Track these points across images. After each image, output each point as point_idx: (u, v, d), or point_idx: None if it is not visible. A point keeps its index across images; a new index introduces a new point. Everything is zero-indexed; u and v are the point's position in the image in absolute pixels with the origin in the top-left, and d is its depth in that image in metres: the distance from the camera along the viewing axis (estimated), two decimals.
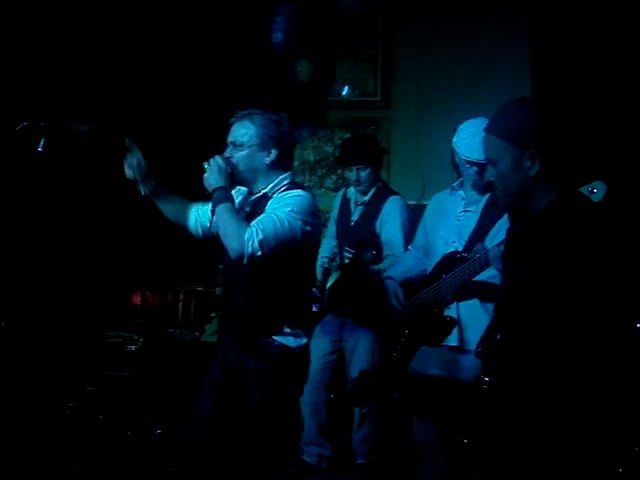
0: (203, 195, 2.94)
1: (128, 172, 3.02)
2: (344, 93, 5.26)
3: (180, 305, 4.69)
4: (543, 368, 1.70)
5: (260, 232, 2.69)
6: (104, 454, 4.03)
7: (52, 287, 4.36)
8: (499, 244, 3.04)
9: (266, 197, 2.98)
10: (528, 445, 1.66)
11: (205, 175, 2.87)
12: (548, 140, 1.98)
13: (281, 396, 2.82)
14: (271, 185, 2.98)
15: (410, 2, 5.19)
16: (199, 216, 3.12)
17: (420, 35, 5.15)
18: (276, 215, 2.76)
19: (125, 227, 4.59)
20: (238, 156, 2.97)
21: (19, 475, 3.59)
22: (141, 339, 4.37)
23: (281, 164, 3.01)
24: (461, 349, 3.26)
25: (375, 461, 4.42)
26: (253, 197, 3.02)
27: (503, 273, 2.97)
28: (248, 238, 2.67)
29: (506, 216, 2.98)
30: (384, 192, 4.34)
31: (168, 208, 3.11)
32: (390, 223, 4.19)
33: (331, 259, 4.39)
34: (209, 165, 2.88)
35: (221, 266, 3.13)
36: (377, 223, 4.24)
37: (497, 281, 3.04)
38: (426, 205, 3.74)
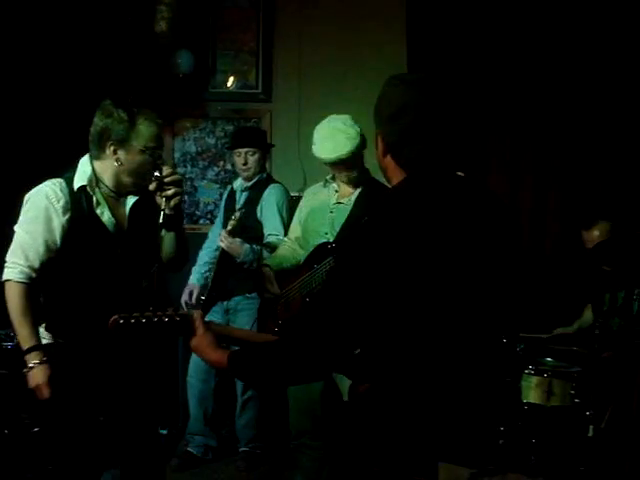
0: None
1: None
2: (229, 84, 5.27)
3: None
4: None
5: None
6: None
7: None
8: None
9: None
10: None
11: None
12: (390, 122, 1.84)
13: None
14: None
15: None
16: None
17: (300, 28, 5.19)
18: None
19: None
20: None
21: None
22: None
23: None
24: None
25: (259, 448, 4.49)
26: None
27: None
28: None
29: None
30: (267, 181, 4.48)
31: None
32: (268, 207, 4.33)
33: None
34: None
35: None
36: (258, 209, 4.36)
37: None
38: None
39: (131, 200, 2.81)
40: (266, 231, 4.26)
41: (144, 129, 2.69)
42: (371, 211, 1.79)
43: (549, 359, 3.85)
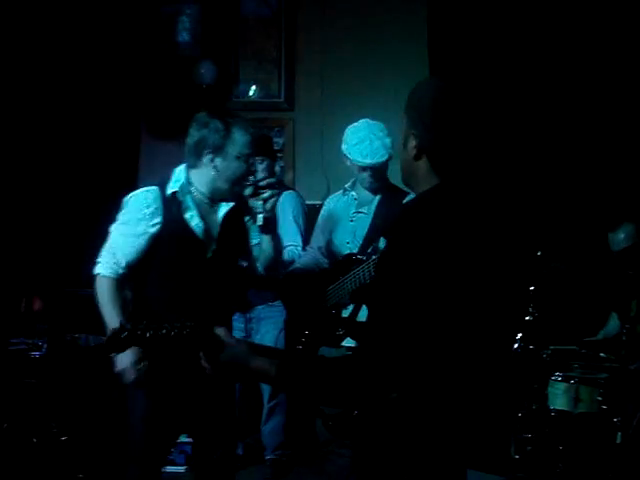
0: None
1: None
2: (251, 93, 5.31)
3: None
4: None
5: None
6: (9, 462, 3.97)
7: None
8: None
9: None
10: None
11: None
12: (431, 125, 1.80)
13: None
14: None
15: (313, 4, 5.27)
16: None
17: (322, 37, 5.22)
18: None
19: (20, 228, 4.55)
20: None
21: None
22: (45, 345, 4.31)
23: None
24: None
25: (285, 456, 4.48)
26: None
27: None
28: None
29: None
30: (278, 188, 4.45)
31: None
32: (283, 216, 4.29)
33: None
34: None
35: None
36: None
37: None
38: None
39: (225, 207, 2.95)
40: (284, 242, 4.25)
41: (239, 137, 2.85)
42: (410, 219, 1.79)
43: (576, 365, 3.83)
